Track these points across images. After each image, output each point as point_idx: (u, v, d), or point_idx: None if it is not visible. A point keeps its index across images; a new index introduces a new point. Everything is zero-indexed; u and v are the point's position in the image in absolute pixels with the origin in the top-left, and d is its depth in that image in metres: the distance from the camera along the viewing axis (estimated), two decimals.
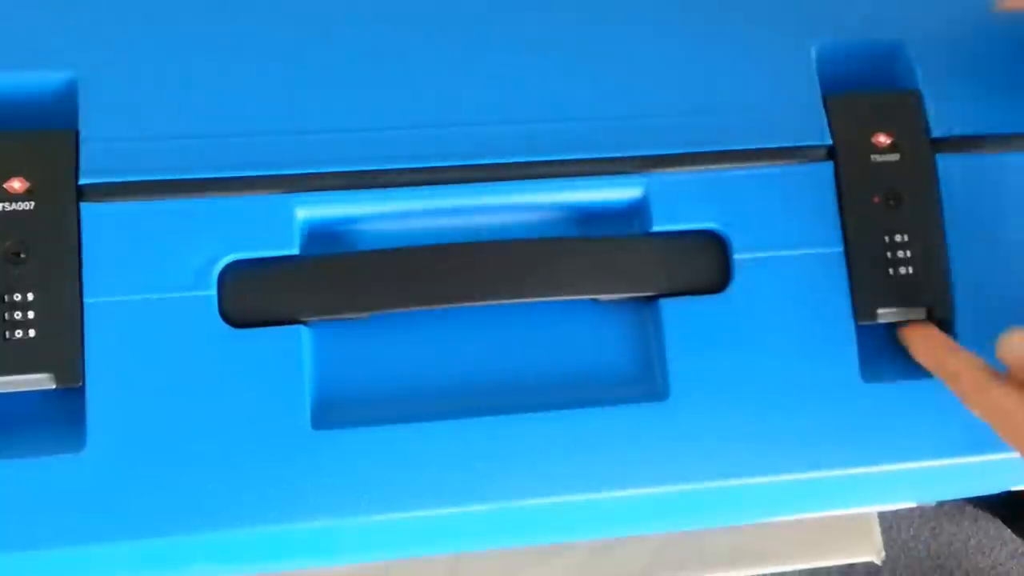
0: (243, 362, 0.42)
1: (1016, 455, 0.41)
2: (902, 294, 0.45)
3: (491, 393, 0.44)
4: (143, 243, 0.42)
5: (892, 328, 0.46)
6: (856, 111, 0.47)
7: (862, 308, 0.45)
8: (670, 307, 0.44)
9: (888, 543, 1.15)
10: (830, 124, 0.46)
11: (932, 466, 0.45)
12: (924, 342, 0.44)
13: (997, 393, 0.40)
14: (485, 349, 0.45)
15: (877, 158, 0.46)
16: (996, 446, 0.44)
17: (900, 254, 0.45)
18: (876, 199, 0.46)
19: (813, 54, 0.47)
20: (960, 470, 0.45)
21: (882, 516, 0.72)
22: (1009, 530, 1.16)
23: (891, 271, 0.45)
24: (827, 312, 0.45)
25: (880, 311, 0.45)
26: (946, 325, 0.45)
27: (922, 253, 0.45)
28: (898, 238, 0.45)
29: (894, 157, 0.46)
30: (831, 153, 0.46)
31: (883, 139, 0.46)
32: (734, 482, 0.44)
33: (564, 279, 0.44)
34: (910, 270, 0.45)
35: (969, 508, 1.17)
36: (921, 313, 0.45)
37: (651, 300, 0.45)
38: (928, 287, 0.45)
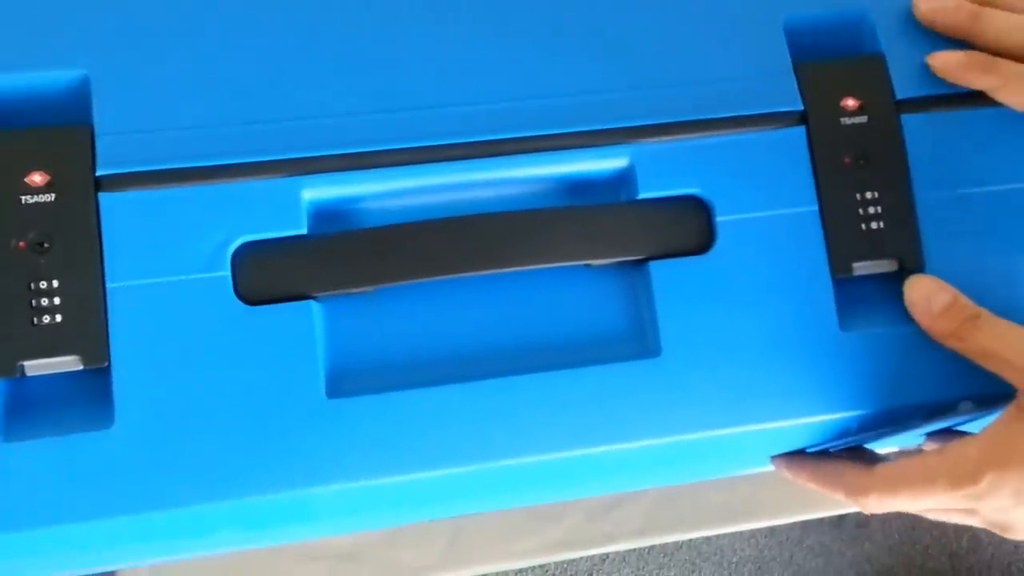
0: (258, 338, 0.44)
1: None
2: (875, 247, 0.48)
3: (494, 357, 0.46)
4: (160, 229, 0.44)
5: (866, 281, 0.48)
6: (825, 77, 0.49)
7: (838, 262, 0.47)
8: (658, 269, 0.47)
9: None
10: (801, 91, 0.49)
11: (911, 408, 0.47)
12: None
13: None
14: (486, 316, 0.47)
15: (846, 121, 0.49)
16: (972, 387, 0.47)
17: (871, 210, 0.48)
18: (847, 160, 0.48)
19: (782, 25, 0.50)
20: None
21: None
22: None
23: (863, 226, 0.48)
24: (805, 267, 0.47)
25: (856, 264, 0.48)
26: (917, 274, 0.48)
27: (891, 208, 0.48)
28: (868, 195, 0.48)
29: (862, 119, 0.49)
30: (803, 118, 0.49)
31: (851, 103, 0.49)
32: (725, 431, 0.46)
33: (559, 246, 0.46)
34: (881, 224, 0.48)
35: None
36: (893, 265, 0.48)
37: (640, 263, 0.47)
38: (898, 239, 0.48)
